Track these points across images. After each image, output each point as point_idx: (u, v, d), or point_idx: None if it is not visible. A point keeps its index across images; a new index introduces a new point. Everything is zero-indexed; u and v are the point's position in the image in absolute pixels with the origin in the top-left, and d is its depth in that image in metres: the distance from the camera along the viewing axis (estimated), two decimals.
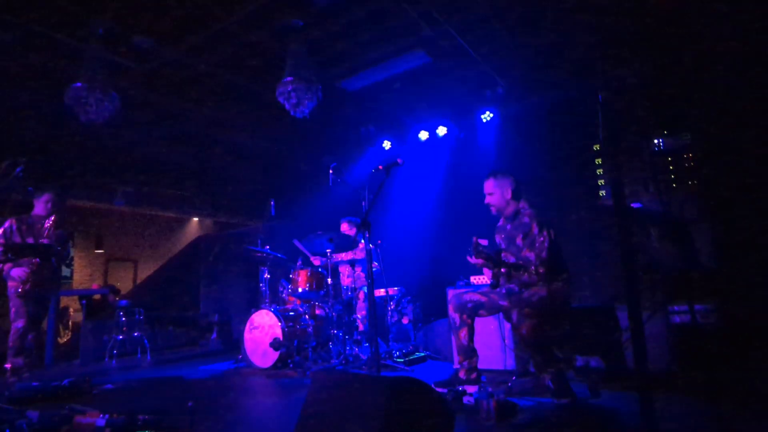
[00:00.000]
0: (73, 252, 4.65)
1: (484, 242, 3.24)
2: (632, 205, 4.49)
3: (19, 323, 4.32)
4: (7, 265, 4.32)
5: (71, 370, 5.73)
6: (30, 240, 4.47)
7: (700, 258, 4.20)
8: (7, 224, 4.47)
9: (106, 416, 2.52)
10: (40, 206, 4.59)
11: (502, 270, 3.26)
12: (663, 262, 3.14)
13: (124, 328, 6.55)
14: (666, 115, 4.64)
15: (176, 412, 2.90)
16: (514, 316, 3.09)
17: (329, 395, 2.22)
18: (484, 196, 3.48)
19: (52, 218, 4.54)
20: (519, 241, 3.22)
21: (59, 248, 4.55)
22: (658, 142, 4.71)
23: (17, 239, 4.44)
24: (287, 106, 4.67)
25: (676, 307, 3.69)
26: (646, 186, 4.64)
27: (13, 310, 4.33)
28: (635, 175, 4.71)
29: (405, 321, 5.56)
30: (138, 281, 10.35)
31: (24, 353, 4.40)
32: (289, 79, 4.52)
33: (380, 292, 5.46)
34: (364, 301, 5.38)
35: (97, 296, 7.60)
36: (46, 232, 4.51)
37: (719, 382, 2.94)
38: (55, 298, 4.86)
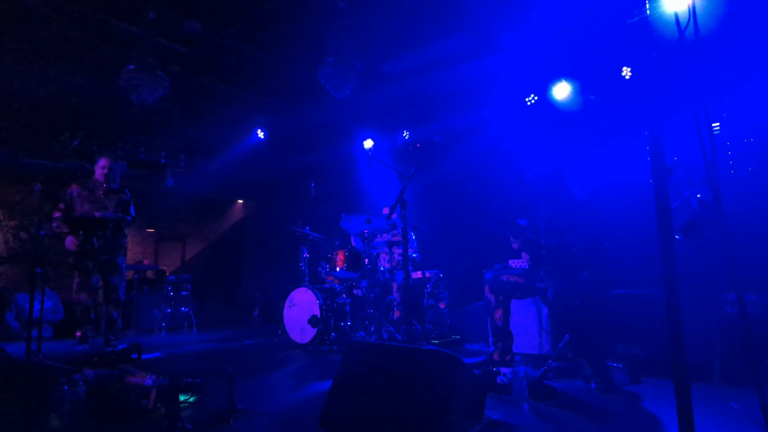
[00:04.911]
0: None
1: (523, 222, 3.18)
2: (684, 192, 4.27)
3: (82, 296, 4.49)
4: (68, 238, 4.45)
5: (124, 340, 6.08)
6: (88, 206, 4.57)
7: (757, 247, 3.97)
8: (68, 191, 4.61)
9: (153, 377, 2.67)
10: (97, 171, 4.71)
11: (543, 252, 3.20)
12: (704, 223, 2.98)
13: (173, 303, 6.88)
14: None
15: (217, 378, 3.04)
16: (551, 298, 3.04)
17: (362, 364, 2.26)
18: (523, 181, 3.42)
19: (104, 186, 4.67)
20: (560, 222, 3.14)
21: (120, 214, 4.64)
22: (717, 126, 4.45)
23: (77, 206, 4.57)
24: (328, 87, 4.72)
25: (728, 297, 3.52)
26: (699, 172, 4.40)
27: (76, 281, 4.50)
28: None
29: (441, 305, 5.55)
30: (186, 259, 10.79)
31: (91, 324, 4.60)
32: (330, 60, 4.56)
33: (417, 274, 5.48)
34: (400, 283, 5.41)
35: (149, 272, 8.02)
36: (105, 198, 4.64)
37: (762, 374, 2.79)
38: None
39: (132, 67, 4.79)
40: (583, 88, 5.52)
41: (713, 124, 4.44)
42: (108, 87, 5.18)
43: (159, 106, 5.02)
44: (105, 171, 4.69)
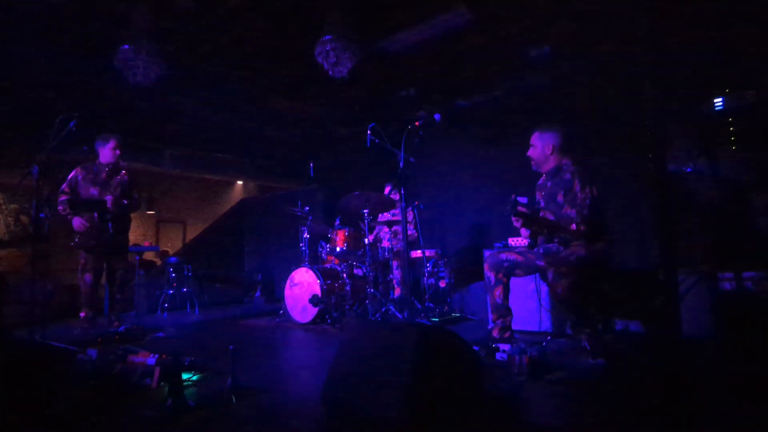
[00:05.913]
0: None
1: (523, 200, 3.17)
2: (685, 168, 4.25)
3: (87, 277, 4.50)
4: (75, 219, 4.43)
5: (127, 320, 6.13)
6: (94, 190, 4.56)
7: (757, 225, 3.97)
8: (72, 174, 4.58)
9: (156, 356, 2.71)
10: (106, 153, 4.63)
11: (542, 229, 3.20)
12: (709, 221, 2.99)
13: (174, 284, 6.93)
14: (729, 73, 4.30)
15: (219, 357, 3.07)
16: (551, 275, 3.05)
17: (362, 342, 2.28)
18: (523, 160, 3.40)
19: (110, 167, 4.61)
20: (560, 198, 3.13)
21: (124, 199, 4.62)
22: (719, 102, 4.40)
23: (82, 189, 4.55)
24: (325, 66, 4.65)
25: (727, 274, 3.53)
26: (700, 149, 4.36)
27: (81, 262, 4.52)
28: (689, 138, 4.44)
29: (442, 284, 5.59)
30: (187, 241, 10.83)
31: (96, 306, 4.64)
32: (327, 37, 4.48)
33: (417, 253, 5.49)
34: (400, 263, 5.43)
35: (150, 254, 8.03)
36: (109, 181, 4.61)
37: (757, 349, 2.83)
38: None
39: (127, 47, 4.71)
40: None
41: (715, 99, 4.39)
42: (104, 68, 5.10)
43: (155, 87, 4.96)
44: (117, 152, 4.65)
